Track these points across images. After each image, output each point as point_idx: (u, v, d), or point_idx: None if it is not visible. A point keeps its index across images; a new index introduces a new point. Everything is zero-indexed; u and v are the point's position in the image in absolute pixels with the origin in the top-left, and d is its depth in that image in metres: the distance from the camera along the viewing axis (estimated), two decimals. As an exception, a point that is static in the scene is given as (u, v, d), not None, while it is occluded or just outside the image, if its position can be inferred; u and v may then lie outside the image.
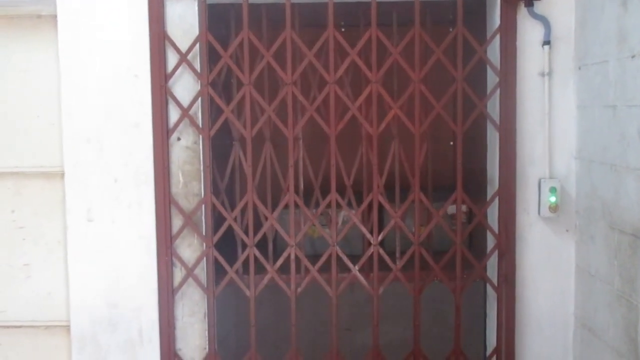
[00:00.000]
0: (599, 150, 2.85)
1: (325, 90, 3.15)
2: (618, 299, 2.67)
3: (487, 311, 3.39)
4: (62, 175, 3.26)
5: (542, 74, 3.13)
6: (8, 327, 3.45)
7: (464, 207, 3.35)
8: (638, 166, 2.50)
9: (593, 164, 2.92)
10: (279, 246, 3.53)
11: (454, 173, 3.21)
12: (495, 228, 3.20)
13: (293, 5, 3.12)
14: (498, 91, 3.15)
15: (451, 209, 3.34)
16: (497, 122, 3.16)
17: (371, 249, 3.25)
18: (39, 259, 3.41)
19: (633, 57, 2.51)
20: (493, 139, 3.25)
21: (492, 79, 3.23)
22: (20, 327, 3.44)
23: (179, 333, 3.27)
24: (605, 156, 2.79)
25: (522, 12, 3.12)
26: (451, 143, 3.33)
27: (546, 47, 3.11)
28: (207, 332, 3.27)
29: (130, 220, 3.21)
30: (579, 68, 3.06)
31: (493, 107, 3.20)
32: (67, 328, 3.32)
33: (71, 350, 3.31)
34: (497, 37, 3.15)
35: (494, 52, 3.18)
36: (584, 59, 3.01)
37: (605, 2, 2.78)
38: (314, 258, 3.35)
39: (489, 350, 3.30)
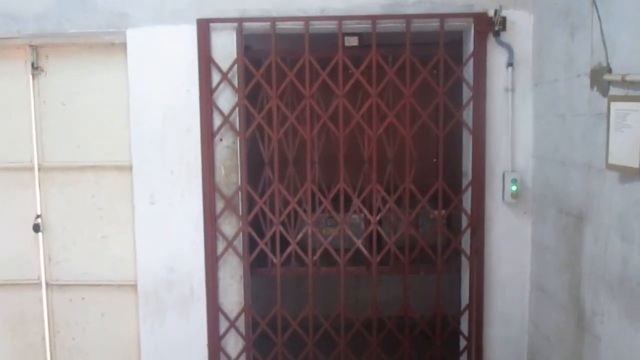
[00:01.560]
0: (551, 150, 2.88)
1: (335, 102, 3.21)
2: (565, 267, 2.71)
3: (462, 276, 3.43)
4: (131, 168, 3.34)
5: (507, 90, 3.15)
6: (90, 285, 3.55)
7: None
8: (581, 162, 2.53)
9: (546, 160, 2.95)
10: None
11: (437, 178, 3.28)
12: (469, 211, 3.24)
13: (311, 35, 3.17)
14: (472, 103, 3.18)
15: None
16: (471, 127, 3.19)
17: (371, 227, 3.30)
18: (113, 233, 3.50)
19: (578, 76, 2.53)
20: (467, 141, 3.28)
21: (466, 93, 3.26)
22: (99, 285, 3.54)
23: (221, 291, 3.35)
24: (556, 155, 2.82)
25: (491, 40, 3.14)
26: (434, 160, 3.36)
27: (510, 68, 3.14)
28: (243, 291, 3.34)
29: (183, 204, 3.30)
30: (536, 85, 3.08)
31: (468, 115, 3.23)
32: (135, 287, 3.42)
33: (138, 304, 3.41)
34: (471, 60, 3.17)
35: (468, 71, 3.21)
36: (540, 77, 3.03)
37: (556, 33, 2.80)
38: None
39: (462, 307, 3.35)
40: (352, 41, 3.34)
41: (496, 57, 3.17)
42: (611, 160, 2.23)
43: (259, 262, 3.49)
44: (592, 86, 2.41)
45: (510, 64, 3.14)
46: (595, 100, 2.39)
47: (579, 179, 2.56)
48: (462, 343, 3.36)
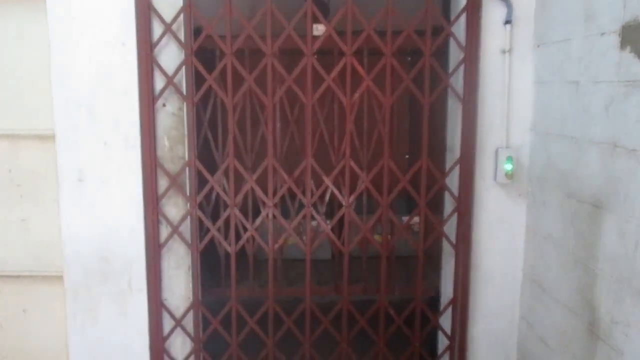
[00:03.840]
0: (557, 124, 2.39)
1: (302, 62, 2.64)
2: (574, 262, 2.26)
3: (443, 265, 2.98)
4: (55, 137, 2.72)
5: (503, 52, 2.64)
6: (8, 276, 2.93)
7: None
8: (601, 139, 2.05)
9: (550, 136, 2.47)
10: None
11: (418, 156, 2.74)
12: (456, 193, 2.76)
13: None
14: (462, 67, 2.67)
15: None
16: (461, 95, 2.68)
17: (343, 210, 2.79)
18: (35, 214, 2.88)
19: (602, 34, 2.04)
20: (455, 111, 2.78)
21: (455, 55, 2.75)
22: (19, 276, 2.93)
23: (165, 284, 2.79)
24: (564, 129, 2.33)
25: (487, -7, 2.62)
26: (406, 156, 2.82)
27: (508, 26, 2.62)
28: (191, 284, 2.80)
29: (119, 181, 2.69)
30: (538, 46, 2.58)
31: (457, 81, 2.72)
32: (63, 278, 2.82)
33: (66, 298, 2.83)
34: (463, 16, 2.65)
35: (459, 29, 2.69)
36: (544, 37, 2.53)
37: (569, -17, 2.30)
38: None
39: (445, 300, 2.90)
40: (320, 29, 2.78)
41: (492, 13, 2.63)
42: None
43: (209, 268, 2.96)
44: (622, 46, 1.91)
45: (508, 21, 2.61)
46: (627, 64, 1.89)
47: (597, 159, 2.09)
48: (443, 342, 2.92)
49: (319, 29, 2.77)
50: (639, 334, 1.84)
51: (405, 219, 2.90)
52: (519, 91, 2.67)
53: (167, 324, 2.81)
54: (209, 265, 3.10)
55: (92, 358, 2.81)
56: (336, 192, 2.78)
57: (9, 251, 2.92)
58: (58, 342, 2.93)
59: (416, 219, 2.78)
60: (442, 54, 2.84)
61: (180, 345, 2.84)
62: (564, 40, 2.33)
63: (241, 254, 2.87)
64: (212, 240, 2.84)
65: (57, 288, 2.85)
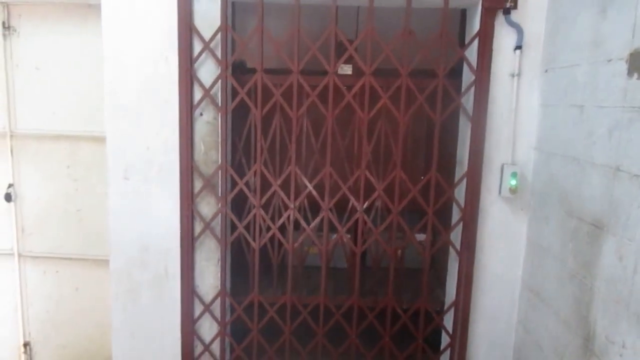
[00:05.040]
0: (561, 144, 2.13)
1: (325, 80, 2.44)
2: (570, 277, 2.00)
3: (448, 270, 2.74)
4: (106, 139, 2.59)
5: (512, 75, 2.39)
6: (64, 258, 2.86)
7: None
8: (604, 163, 1.79)
9: (553, 155, 2.21)
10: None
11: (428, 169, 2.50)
12: (462, 203, 2.52)
13: (302, 7, 2.39)
14: (473, 88, 2.43)
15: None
16: (470, 114, 2.44)
17: (357, 214, 2.58)
18: (89, 206, 2.79)
19: (609, 61, 1.77)
20: (464, 129, 2.54)
21: (467, 77, 2.51)
22: (73, 259, 2.84)
23: (197, 274, 2.64)
24: (567, 150, 2.07)
25: (500, 20, 2.35)
26: (422, 177, 2.57)
27: (518, 51, 2.36)
28: (219, 274, 2.64)
29: (159, 181, 2.54)
30: (546, 71, 2.32)
31: (467, 101, 2.48)
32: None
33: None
34: (476, 41, 2.40)
35: (471, 53, 2.44)
36: (552, 62, 2.26)
37: (579, 12, 2.02)
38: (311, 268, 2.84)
39: (448, 302, 2.66)
40: (346, 69, 2.57)
41: (503, 39, 2.38)
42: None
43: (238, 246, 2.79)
44: (630, 73, 1.65)
45: (518, 47, 2.36)
46: (634, 91, 1.64)
47: (599, 181, 1.83)
48: (445, 340, 2.69)
49: (344, 69, 2.58)
50: (635, 356, 1.58)
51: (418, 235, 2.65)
52: (526, 112, 2.41)
53: (197, 308, 2.66)
54: (242, 266, 2.93)
55: (132, 334, 2.69)
56: (351, 197, 2.57)
57: (65, 237, 2.84)
58: (105, 318, 2.83)
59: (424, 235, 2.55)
60: (456, 75, 2.60)
61: (208, 327, 2.69)
62: (571, 66, 2.07)
63: (269, 262, 2.71)
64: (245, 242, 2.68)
65: (106, 271, 2.74)
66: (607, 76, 1.79)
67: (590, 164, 1.88)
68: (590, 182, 1.88)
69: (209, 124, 2.53)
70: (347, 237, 2.63)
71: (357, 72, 2.49)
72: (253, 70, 2.47)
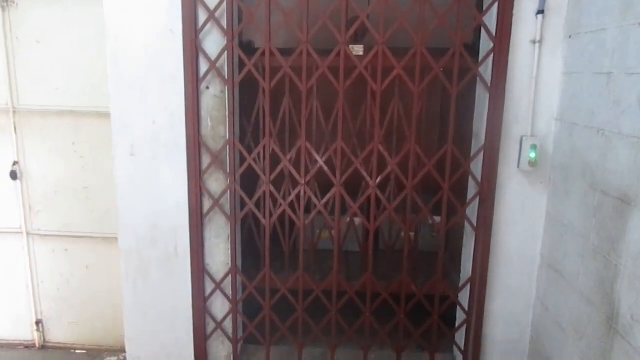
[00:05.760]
0: (585, 115, 2.03)
1: (336, 49, 2.34)
2: (593, 254, 1.92)
3: (464, 244, 2.67)
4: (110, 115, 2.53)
5: (534, 42, 2.27)
6: (73, 236, 2.83)
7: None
8: (633, 134, 1.69)
9: (576, 126, 2.10)
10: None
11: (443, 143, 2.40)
12: (479, 178, 2.43)
13: (311, -31, 2.27)
14: (492, 56, 2.31)
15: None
16: (489, 84, 2.33)
17: (370, 191, 2.51)
18: (95, 184, 2.75)
19: (641, 24, 1.66)
20: (482, 99, 2.44)
21: (485, 46, 2.39)
22: (82, 237, 2.82)
23: (207, 251, 2.60)
24: (592, 121, 1.97)
25: (521, -18, 2.24)
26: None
27: (540, 16, 2.24)
28: (229, 251, 2.60)
29: (166, 157, 2.48)
30: (570, 37, 2.19)
31: (485, 70, 2.37)
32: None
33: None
34: (495, 6, 2.28)
35: (490, 20, 2.32)
36: (577, 27, 2.14)
37: (608, -29, 1.90)
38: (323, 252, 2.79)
39: (464, 278, 2.60)
40: (358, 50, 2.44)
41: (525, 2, 2.25)
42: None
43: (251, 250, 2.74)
44: (665, 37, 1.55)
45: (540, 11, 2.23)
46: (669, 56, 1.53)
47: (627, 153, 1.73)
48: (461, 317, 2.65)
49: (355, 49, 2.46)
50: (664, 336, 1.51)
51: (434, 217, 2.56)
52: (547, 81, 2.30)
53: (209, 286, 2.63)
54: (253, 248, 2.89)
55: (143, 313, 2.67)
56: (363, 172, 2.50)
57: (74, 215, 2.80)
58: (116, 295, 2.82)
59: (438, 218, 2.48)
60: (473, 52, 2.48)
61: (220, 305, 2.67)
62: (598, 31, 1.95)
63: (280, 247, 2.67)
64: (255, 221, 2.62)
65: (116, 248, 2.71)
66: (638, 41, 1.67)
67: (617, 135, 1.78)
68: (616, 154, 1.79)
69: (216, 97, 2.45)
70: (360, 217, 2.57)
71: (370, 53, 2.37)
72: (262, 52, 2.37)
